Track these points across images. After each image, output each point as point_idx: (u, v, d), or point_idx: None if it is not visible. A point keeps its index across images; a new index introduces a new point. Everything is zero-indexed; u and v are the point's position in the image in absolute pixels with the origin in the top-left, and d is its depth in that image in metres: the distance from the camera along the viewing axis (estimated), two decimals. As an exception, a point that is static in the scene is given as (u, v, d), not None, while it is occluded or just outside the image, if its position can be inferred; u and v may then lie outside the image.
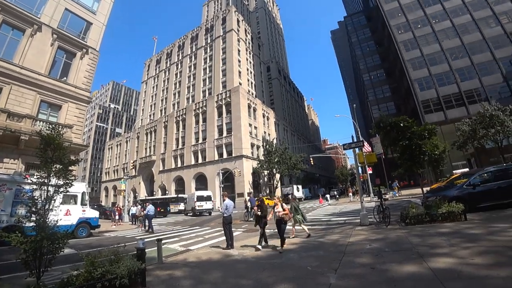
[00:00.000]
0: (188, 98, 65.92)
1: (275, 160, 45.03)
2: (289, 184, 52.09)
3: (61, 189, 5.28)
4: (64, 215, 13.92)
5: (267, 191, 49.35)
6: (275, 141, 52.80)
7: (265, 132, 56.00)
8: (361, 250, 6.61)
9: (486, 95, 36.31)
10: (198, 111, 55.36)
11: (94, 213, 16.51)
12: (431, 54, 41.89)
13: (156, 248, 7.42)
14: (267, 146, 46.94)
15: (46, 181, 5.03)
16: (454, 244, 5.91)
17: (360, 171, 15.29)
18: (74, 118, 18.62)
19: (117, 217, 25.98)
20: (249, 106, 52.57)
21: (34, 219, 4.78)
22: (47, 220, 4.85)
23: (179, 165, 55.19)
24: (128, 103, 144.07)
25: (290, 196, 11.20)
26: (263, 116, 57.99)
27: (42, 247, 4.56)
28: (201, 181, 50.80)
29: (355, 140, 23.79)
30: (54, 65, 18.58)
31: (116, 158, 76.62)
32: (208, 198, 33.22)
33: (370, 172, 33.17)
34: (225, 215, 8.94)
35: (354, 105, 51.48)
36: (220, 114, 51.82)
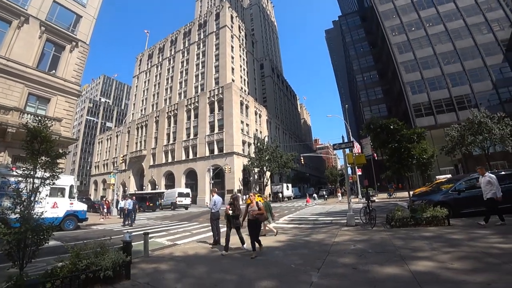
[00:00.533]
0: (180, 94, 65.40)
1: (266, 158, 45.19)
2: (279, 183, 52.34)
3: (47, 182, 5.24)
4: (51, 207, 13.85)
5: (257, 189, 49.51)
6: (266, 139, 52.98)
7: (257, 130, 56.03)
8: (345, 250, 6.69)
9: (476, 102, 36.77)
10: (190, 107, 54.99)
11: (82, 206, 16.39)
12: (424, 57, 42.35)
13: (143, 241, 7.41)
14: (259, 144, 47.05)
15: (32, 173, 4.98)
16: (435, 248, 6.03)
17: (349, 172, 15.53)
18: (63, 112, 18.34)
19: (105, 210, 25.71)
20: (241, 103, 52.48)
21: (19, 210, 4.74)
22: (32, 212, 4.81)
23: (169, 160, 54.82)
24: (119, 98, 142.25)
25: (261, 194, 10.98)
26: (255, 114, 57.99)
27: (26, 238, 4.53)
28: (192, 177, 50.63)
29: (345, 140, 24.07)
30: (43, 58, 18.23)
31: (106, 152, 75.56)
32: (187, 195, 37.43)
33: (360, 173, 33.64)
34: (213, 210, 9.00)
35: (346, 105, 52.08)
36: (212, 111, 51.60)
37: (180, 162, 52.23)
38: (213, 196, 9.38)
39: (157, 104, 69.77)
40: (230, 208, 7.78)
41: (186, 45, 70.62)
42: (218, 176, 45.09)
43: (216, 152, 47.78)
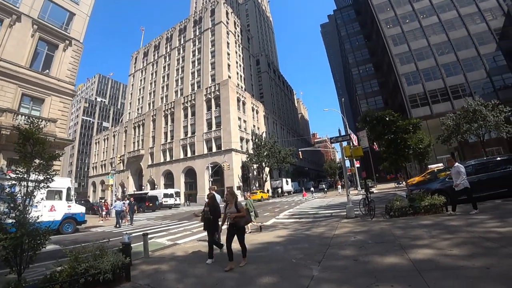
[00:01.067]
0: (176, 92, 65.07)
1: (264, 154, 45.23)
2: (279, 178, 52.49)
3: (42, 185, 5.16)
4: (49, 211, 13.71)
5: (257, 185, 49.63)
6: (264, 135, 52.99)
7: (254, 126, 56.01)
8: (346, 242, 6.73)
9: (471, 91, 37.05)
10: (186, 105, 54.76)
11: (80, 209, 16.30)
12: (418, 49, 42.48)
13: (143, 242, 7.38)
14: (257, 140, 47.04)
15: (25, 176, 4.91)
16: (434, 236, 6.09)
17: (348, 164, 15.57)
18: (58, 112, 18.09)
19: (104, 212, 25.65)
20: (238, 100, 52.35)
21: (14, 215, 4.68)
22: (27, 216, 4.75)
23: (168, 159, 54.70)
24: (115, 97, 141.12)
25: (247, 192, 10.73)
26: (253, 110, 57.91)
27: (23, 243, 4.47)
28: (190, 175, 50.61)
29: (342, 133, 24.12)
30: (36, 57, 17.92)
31: (103, 152, 75.20)
32: (171, 195, 39.97)
33: (358, 165, 33.78)
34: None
35: (343, 99, 51.93)
36: (209, 108, 51.43)
37: (178, 160, 52.15)
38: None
39: (154, 102, 69.39)
40: (206, 208, 6.89)
41: (182, 42, 70.08)
42: (217, 173, 45.11)
43: (214, 149, 47.74)
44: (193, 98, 54.22)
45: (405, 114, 38.26)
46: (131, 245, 6.07)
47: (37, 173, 5.05)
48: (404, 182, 29.93)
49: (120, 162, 38.62)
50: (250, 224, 10.23)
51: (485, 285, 3.40)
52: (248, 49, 76.15)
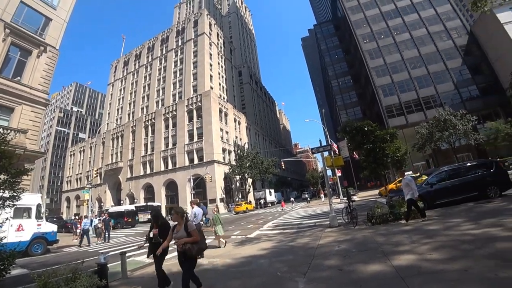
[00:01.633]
0: (157, 102, 64.06)
1: (247, 165, 45.08)
2: (262, 189, 52.31)
3: (7, 203, 4.76)
4: (15, 230, 12.66)
5: (240, 196, 49.19)
6: (246, 146, 52.91)
7: (236, 137, 55.89)
8: (330, 252, 6.74)
9: (441, 101, 39.90)
10: (168, 116, 53.91)
11: (52, 227, 15.14)
12: (393, 63, 45.05)
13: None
14: (239, 151, 46.89)
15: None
16: (414, 241, 6.26)
17: (330, 174, 15.84)
18: (29, 122, 16.88)
19: (78, 230, 24.26)
20: (220, 111, 52.27)
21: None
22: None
23: (148, 171, 53.13)
24: (93, 107, 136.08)
25: (214, 207, 10.43)
26: (235, 121, 57.93)
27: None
28: (172, 188, 49.39)
29: (323, 144, 24.60)
30: (7, 63, 16.78)
31: (79, 165, 71.69)
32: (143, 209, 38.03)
33: (339, 174, 34.43)
34: (193, 223, 8.77)
35: (323, 110, 53.16)
36: (190, 119, 50.90)
37: (159, 173, 50.83)
38: (192, 208, 9.21)
39: (134, 113, 67.77)
40: (154, 229, 5.60)
41: (164, 52, 69.53)
42: (200, 185, 44.32)
43: (196, 161, 47.04)
44: (174, 109, 53.54)
45: (382, 124, 39.83)
46: (108, 265, 5.70)
47: (1, 190, 4.66)
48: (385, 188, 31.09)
49: (97, 176, 36.80)
50: (220, 239, 10.10)
51: (465, 287, 3.52)
52: (230, 60, 76.83)
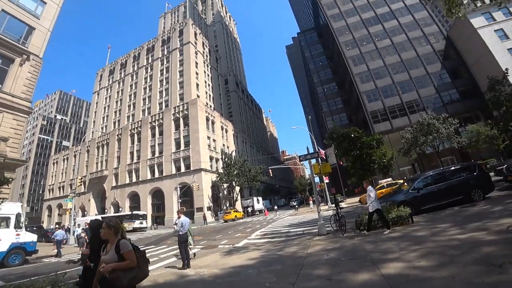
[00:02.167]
0: (143, 110, 63.17)
1: (235, 173, 44.79)
2: (249, 196, 51.97)
3: None
4: None
5: (227, 204, 48.69)
6: (234, 154, 52.68)
7: (224, 145, 55.59)
8: (319, 261, 6.64)
9: (423, 106, 40.77)
10: (154, 124, 53.16)
11: (31, 237, 14.66)
12: (376, 68, 46.07)
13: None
14: (226, 159, 46.60)
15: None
16: (403, 248, 6.23)
17: (317, 181, 15.89)
18: (10, 130, 16.50)
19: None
20: (207, 119, 51.99)
21: None
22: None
23: (134, 180, 51.94)
24: (77, 115, 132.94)
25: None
26: (222, 129, 57.68)
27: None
28: (158, 197, 48.39)
29: (310, 151, 24.70)
30: (-12, 71, 16.49)
31: (62, 173, 69.44)
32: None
33: (327, 181, 34.60)
34: (180, 233, 8.63)
35: (310, 116, 53.74)
36: (177, 127, 50.34)
37: (145, 181, 49.76)
38: (179, 217, 9.01)
39: (119, 121, 66.48)
40: (83, 250, 4.56)
41: (150, 61, 68.98)
42: (186, 194, 43.60)
43: (183, 169, 46.36)
44: (161, 117, 52.87)
45: (368, 129, 40.53)
46: None
47: None
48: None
49: (81, 184, 35.71)
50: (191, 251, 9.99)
51: (453, 294, 3.48)
52: (216, 69, 76.91)
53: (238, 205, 48.07)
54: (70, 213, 28.51)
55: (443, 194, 10.88)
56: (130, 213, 41.09)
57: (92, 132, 68.40)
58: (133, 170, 52.71)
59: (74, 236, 23.79)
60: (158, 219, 46.67)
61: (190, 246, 10.03)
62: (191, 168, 45.07)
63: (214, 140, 52.50)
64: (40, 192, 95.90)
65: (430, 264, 4.82)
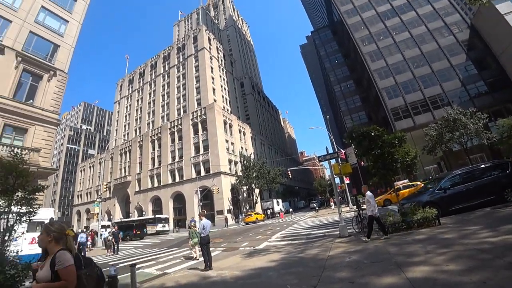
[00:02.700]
0: (162, 117, 64.87)
1: (254, 175, 44.85)
2: (269, 199, 51.83)
3: (24, 218, 4.93)
4: (29, 243, 12.94)
5: (247, 207, 48.81)
6: (252, 156, 52.82)
7: (242, 148, 55.89)
8: (341, 263, 6.53)
9: (448, 100, 38.59)
10: (173, 129, 54.45)
11: None
12: (395, 63, 44.38)
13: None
14: (245, 162, 46.79)
15: (6, 210, 4.67)
16: (429, 251, 5.98)
17: (338, 181, 15.62)
18: (41, 141, 17.70)
19: (89, 242, 24.42)
20: (224, 123, 52.52)
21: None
22: (6, 251, 4.46)
23: (155, 184, 53.41)
24: (100, 124, 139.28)
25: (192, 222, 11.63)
26: (240, 132, 58.05)
27: (-1, 282, 4.13)
28: (179, 200, 49.38)
29: (330, 151, 24.32)
30: (20, 87, 17.80)
31: (89, 180, 73.00)
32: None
33: (348, 181, 33.85)
34: (202, 235, 8.78)
35: (328, 116, 53.17)
36: (196, 132, 51.24)
37: (166, 186, 50.98)
38: (201, 220, 9.15)
39: (140, 128, 68.74)
40: (35, 264, 4.13)
41: (166, 68, 70.89)
42: (207, 197, 44.20)
43: (202, 173, 47.07)
44: (179, 122, 54.06)
45: (389, 127, 39.22)
46: (118, 277, 5.73)
47: (19, 206, 4.82)
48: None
49: (106, 190, 37.34)
50: (195, 250, 11.34)
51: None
52: (231, 72, 77.64)
53: (258, 208, 48.07)
54: (97, 217, 29.99)
55: (473, 194, 10.19)
56: (153, 216, 42.20)
57: (115, 140, 71.17)
58: (155, 175, 54.21)
59: (102, 239, 24.90)
60: (180, 222, 47.63)
61: (196, 251, 11.36)
62: (211, 172, 45.66)
63: (232, 143, 52.94)
64: (70, 198, 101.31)
65: (459, 268, 4.59)
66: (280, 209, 47.65)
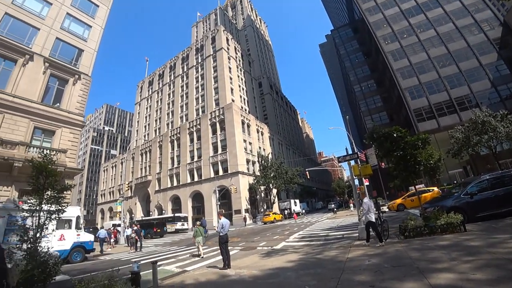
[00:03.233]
0: (181, 117, 66.22)
1: (271, 175, 44.84)
2: (287, 199, 51.63)
3: (54, 216, 5.26)
4: (58, 240, 13.79)
5: (265, 207, 48.87)
6: (270, 156, 52.80)
7: (260, 148, 56.00)
8: (360, 266, 6.46)
9: (477, 101, 36.68)
10: (192, 130, 55.45)
11: (89, 237, 16.25)
12: (419, 62, 42.79)
13: (151, 270, 7.23)
14: (263, 162, 46.87)
15: (38, 208, 5.01)
16: (454, 258, 5.78)
17: (357, 183, 15.32)
18: (68, 143, 18.64)
19: (112, 240, 25.40)
20: (242, 122, 52.84)
21: (25, 247, 4.73)
22: (38, 247, 4.80)
23: (175, 184, 54.64)
24: (122, 125, 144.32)
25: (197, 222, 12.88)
26: (257, 132, 58.21)
27: (33, 276, 4.46)
28: (198, 199, 50.22)
29: (349, 152, 23.91)
30: (47, 92, 18.84)
31: (111, 179, 75.77)
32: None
33: (367, 183, 33.07)
34: (221, 234, 8.89)
35: (347, 116, 52.17)
36: (214, 132, 51.92)
37: (185, 185, 52.02)
38: (220, 219, 9.28)
39: (160, 129, 70.57)
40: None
41: (185, 69, 72.32)
42: (225, 196, 44.69)
43: (221, 172, 47.63)
44: (198, 123, 55.00)
45: (411, 128, 37.95)
46: (140, 273, 5.98)
47: (49, 204, 5.15)
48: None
49: (128, 189, 38.68)
50: (200, 245, 12.39)
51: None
52: (249, 72, 77.97)
53: (276, 208, 48.05)
54: (119, 216, 31.21)
55: (502, 201, 9.65)
56: (172, 215, 43.18)
57: (136, 140, 73.51)
58: (174, 175, 55.45)
59: (124, 237, 25.83)
60: (198, 221, 48.36)
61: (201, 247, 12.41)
62: (229, 171, 46.13)
63: (250, 143, 53.19)
64: (94, 197, 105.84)
65: (487, 277, 4.40)
66: (298, 209, 47.35)
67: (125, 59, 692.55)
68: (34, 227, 4.92)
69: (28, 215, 5.04)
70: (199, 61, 69.39)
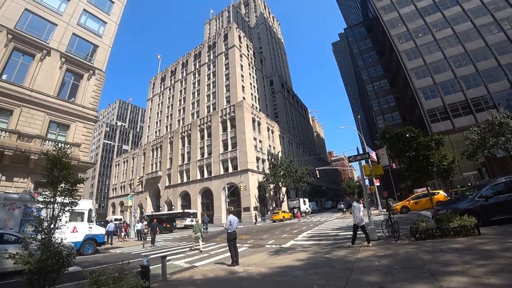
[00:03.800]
0: (193, 114, 66.77)
1: (281, 174, 44.76)
2: (296, 198, 51.47)
3: (67, 208, 5.40)
4: (71, 232, 14.17)
5: (274, 205, 48.86)
6: (280, 154, 52.67)
7: (270, 146, 55.95)
8: (370, 267, 6.40)
9: (494, 102, 35.47)
10: (203, 126, 55.86)
11: (100, 230, 16.65)
12: (434, 62, 41.73)
13: (160, 265, 7.34)
14: (273, 160, 46.83)
15: (52, 200, 5.14)
16: (467, 262, 5.66)
17: (367, 183, 15.13)
18: (81, 137, 19.09)
19: (123, 233, 25.89)
20: (253, 120, 52.88)
21: (40, 238, 4.87)
22: (52, 238, 4.94)
23: (185, 180, 55.23)
24: (134, 121, 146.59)
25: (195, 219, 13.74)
26: (268, 130, 58.14)
27: (48, 266, 4.60)
28: (207, 196, 50.64)
29: (360, 152, 23.58)
30: (63, 86, 19.31)
31: (123, 174, 77.23)
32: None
33: (378, 184, 32.67)
34: (229, 231, 8.91)
35: (359, 116, 51.38)
36: (224, 129, 52.16)
37: (195, 181, 52.52)
38: (228, 215, 9.31)
39: (171, 125, 71.38)
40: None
41: (197, 66, 72.83)
42: (234, 194, 44.90)
43: (230, 170, 47.86)
44: (209, 120, 55.35)
45: (424, 129, 37.11)
46: (150, 267, 6.09)
47: (63, 197, 5.29)
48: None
49: (139, 184, 39.39)
50: (199, 243, 13.09)
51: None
52: (261, 70, 77.84)
53: (284, 206, 48.00)
54: (130, 210, 31.76)
55: None
56: (181, 211, 43.72)
57: (147, 136, 74.63)
58: (184, 171, 56.06)
59: (135, 231, 26.27)
60: (208, 217, 48.84)
61: (199, 244, 13.15)
62: (238, 169, 46.30)
63: (260, 141, 53.21)
64: (106, 191, 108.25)
65: (502, 282, 4.28)
66: (304, 208, 47.12)
67: (138, 55, 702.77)
68: (48, 219, 5.06)
69: (43, 206, 5.18)
70: (211, 58, 69.71)
